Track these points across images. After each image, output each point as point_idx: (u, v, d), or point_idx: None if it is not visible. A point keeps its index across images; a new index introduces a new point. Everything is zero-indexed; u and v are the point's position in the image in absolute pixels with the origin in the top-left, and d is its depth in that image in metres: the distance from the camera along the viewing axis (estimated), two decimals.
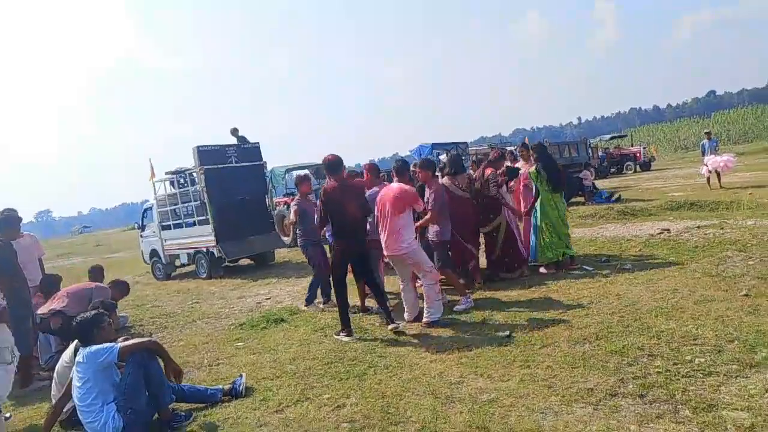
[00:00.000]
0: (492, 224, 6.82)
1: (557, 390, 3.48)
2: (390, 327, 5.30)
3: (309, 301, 6.96)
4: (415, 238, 5.60)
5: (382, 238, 5.46)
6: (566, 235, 7.02)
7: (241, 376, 4.44)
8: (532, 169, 7.08)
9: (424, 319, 5.44)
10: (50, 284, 6.45)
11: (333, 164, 5.46)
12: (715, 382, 3.27)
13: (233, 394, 4.23)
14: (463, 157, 17.72)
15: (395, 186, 5.53)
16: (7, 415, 4.54)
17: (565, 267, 6.88)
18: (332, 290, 6.08)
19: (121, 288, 6.88)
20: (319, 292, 7.02)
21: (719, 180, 14.19)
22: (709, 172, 14.33)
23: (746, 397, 3.04)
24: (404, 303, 5.74)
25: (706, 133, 16.30)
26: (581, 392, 3.39)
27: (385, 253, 5.58)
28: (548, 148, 8.02)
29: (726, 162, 14.15)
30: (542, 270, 6.97)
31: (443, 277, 5.91)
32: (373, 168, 6.71)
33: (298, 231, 7.12)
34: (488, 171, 6.84)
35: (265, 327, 6.33)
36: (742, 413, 2.88)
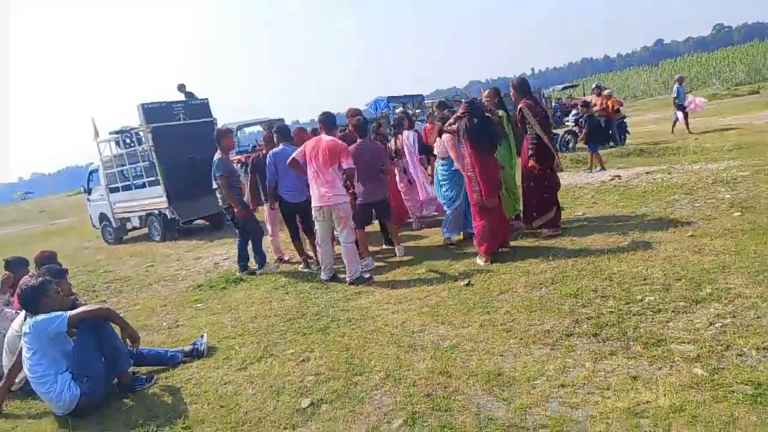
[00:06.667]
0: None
1: (516, 333, 3.58)
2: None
3: (260, 264, 6.60)
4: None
5: (318, 189, 5.40)
6: (515, 192, 6.25)
7: (202, 336, 4.38)
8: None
9: (348, 279, 5.50)
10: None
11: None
12: (663, 318, 3.43)
13: (194, 354, 4.18)
14: (419, 110, 17.66)
15: (327, 138, 5.42)
16: None
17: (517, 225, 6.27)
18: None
19: None
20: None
21: (673, 127, 14.51)
22: (686, 113, 14.07)
23: (692, 330, 3.20)
24: (321, 262, 5.83)
25: (678, 78, 15.55)
26: (538, 334, 3.50)
27: (319, 204, 5.44)
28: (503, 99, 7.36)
29: (699, 103, 14.17)
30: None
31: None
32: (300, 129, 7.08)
33: (219, 193, 6.42)
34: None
35: (225, 287, 6.23)
36: (689, 346, 3.04)
